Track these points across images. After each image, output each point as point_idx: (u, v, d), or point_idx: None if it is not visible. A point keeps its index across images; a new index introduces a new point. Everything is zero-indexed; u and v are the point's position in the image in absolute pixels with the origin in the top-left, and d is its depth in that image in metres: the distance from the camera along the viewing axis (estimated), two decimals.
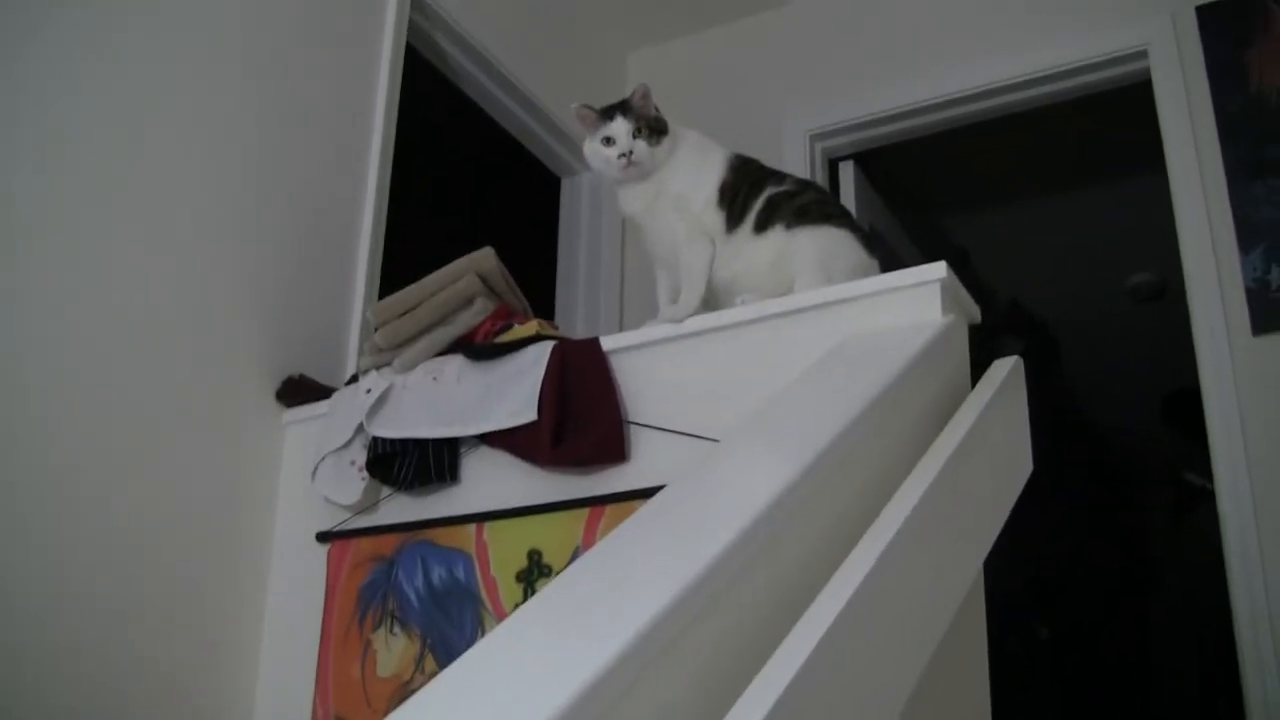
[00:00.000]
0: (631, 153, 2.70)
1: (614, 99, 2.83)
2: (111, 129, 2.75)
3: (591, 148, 2.79)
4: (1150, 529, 7.46)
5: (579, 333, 3.96)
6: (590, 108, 2.78)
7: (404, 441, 2.68)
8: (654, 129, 2.71)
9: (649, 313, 2.78)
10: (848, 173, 4.63)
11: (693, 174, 2.74)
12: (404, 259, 3.46)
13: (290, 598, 2.86)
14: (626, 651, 1.14)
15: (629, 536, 1.50)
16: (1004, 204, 6.18)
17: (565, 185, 4.79)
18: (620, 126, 2.71)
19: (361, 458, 2.74)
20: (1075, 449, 6.77)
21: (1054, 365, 6.76)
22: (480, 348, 2.70)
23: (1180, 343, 3.87)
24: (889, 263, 2.58)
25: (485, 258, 2.81)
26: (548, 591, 1.35)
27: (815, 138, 4.61)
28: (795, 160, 4.44)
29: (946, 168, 5.60)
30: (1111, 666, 6.83)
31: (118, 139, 2.76)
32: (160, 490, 2.70)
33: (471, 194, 5.36)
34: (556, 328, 2.77)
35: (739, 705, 1.18)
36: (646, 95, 2.72)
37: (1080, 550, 6.94)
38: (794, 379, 2.09)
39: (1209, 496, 3.62)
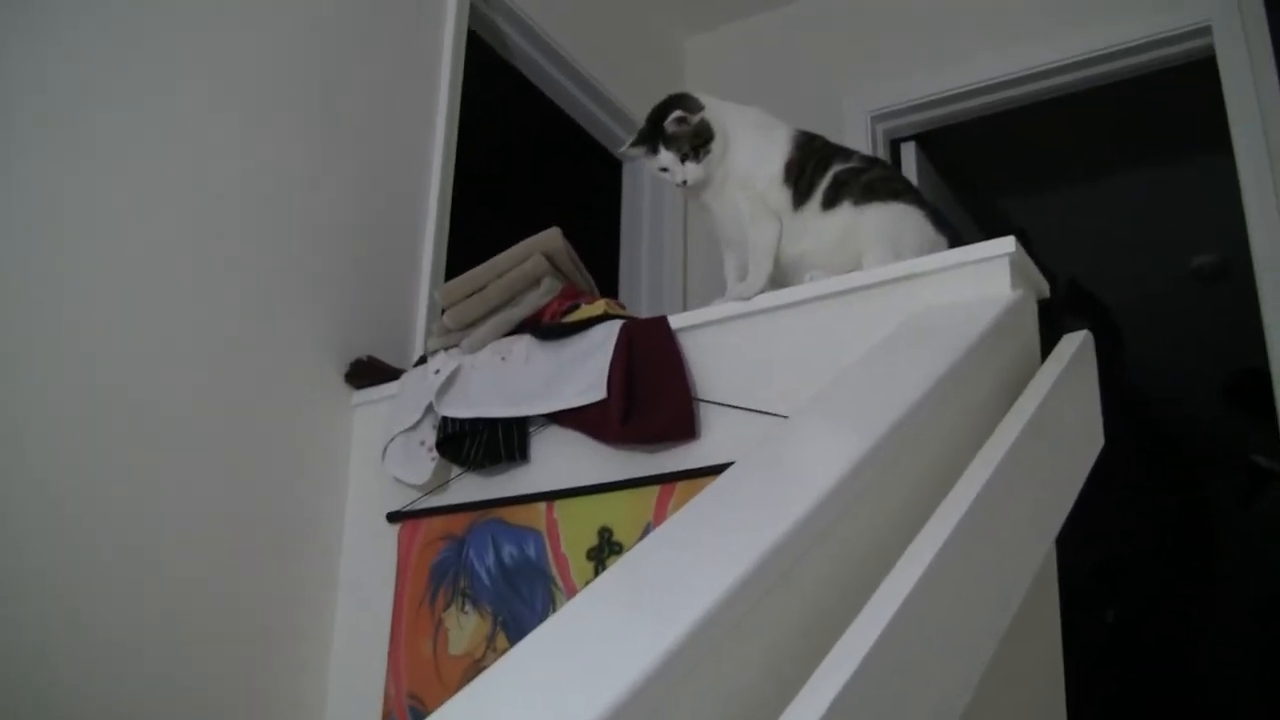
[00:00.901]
0: (686, 180, 2.73)
1: (674, 89, 2.85)
2: (186, 121, 2.79)
3: (652, 172, 2.83)
4: (1216, 511, 7.40)
5: (643, 312, 3.97)
6: (637, 143, 2.80)
7: (473, 421, 2.70)
8: (699, 145, 2.71)
9: (713, 292, 2.79)
10: (909, 153, 4.62)
11: (756, 153, 2.74)
12: (468, 241, 3.49)
13: (362, 577, 2.88)
14: (696, 629, 1.15)
15: (698, 514, 1.50)
16: (1064, 184, 6.14)
17: (627, 168, 4.80)
18: (667, 158, 2.73)
19: (431, 438, 2.76)
20: (1138, 432, 6.73)
21: (1118, 350, 6.72)
22: (548, 327, 2.71)
23: (1245, 324, 3.83)
24: (956, 241, 2.57)
25: (552, 238, 2.82)
26: (617, 568, 1.36)
27: (876, 118, 4.60)
28: (857, 141, 4.42)
29: (1007, 148, 5.56)
30: (1178, 649, 6.79)
31: (191, 130, 2.79)
32: (232, 472, 2.73)
33: (534, 176, 5.37)
34: (624, 307, 2.78)
35: (809, 685, 1.18)
36: (681, 119, 2.70)
37: (1145, 534, 6.89)
38: (863, 355, 2.09)
39: (1278, 479, 3.58)
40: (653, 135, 2.75)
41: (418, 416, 2.78)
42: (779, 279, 2.64)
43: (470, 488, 2.76)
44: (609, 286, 4.37)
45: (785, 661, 1.29)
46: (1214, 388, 6.86)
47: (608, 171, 4.79)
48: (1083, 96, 4.46)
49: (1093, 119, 5.29)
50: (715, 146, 2.71)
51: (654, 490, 2.46)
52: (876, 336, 2.18)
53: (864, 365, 2.03)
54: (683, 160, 2.71)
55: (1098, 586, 6.18)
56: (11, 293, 2.37)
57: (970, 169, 5.38)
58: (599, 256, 3.11)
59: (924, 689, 1.37)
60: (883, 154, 4.55)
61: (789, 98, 4.26)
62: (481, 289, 2.80)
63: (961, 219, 4.89)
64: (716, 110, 2.76)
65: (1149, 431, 7.16)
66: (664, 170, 2.75)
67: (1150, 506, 6.97)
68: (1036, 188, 6.12)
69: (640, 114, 2.82)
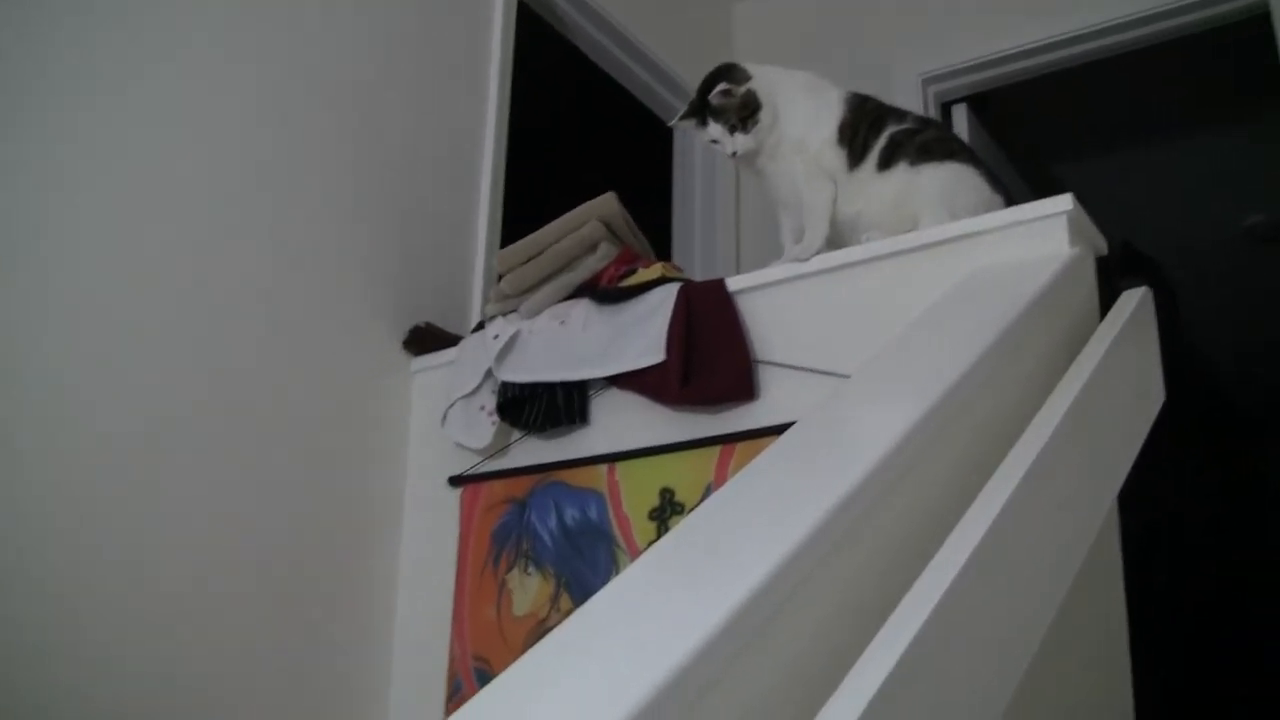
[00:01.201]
0: (736, 152, 2.74)
1: (722, 55, 2.85)
2: (241, 97, 2.82)
3: (703, 144, 2.89)
4: (1271, 471, 7.35)
5: (696, 276, 3.99)
6: (687, 116, 2.82)
7: (533, 385, 2.72)
8: (746, 115, 2.71)
9: (765, 256, 2.79)
10: (960, 116, 4.60)
11: (809, 116, 2.74)
12: (521, 208, 3.50)
13: (424, 542, 2.91)
14: (759, 591, 1.16)
15: (758, 478, 1.52)
16: (1115, 145, 6.09)
17: (678, 133, 4.80)
18: (716, 130, 2.74)
19: (491, 402, 2.78)
20: (1193, 392, 6.69)
21: (1172, 310, 6.67)
22: (606, 291, 2.73)
23: None
24: (1011, 202, 2.56)
25: (607, 203, 2.83)
26: (678, 532, 1.37)
27: (927, 81, 4.57)
28: (908, 104, 4.38)
29: (1058, 109, 5.53)
30: (1233, 610, 6.75)
31: (246, 102, 2.83)
32: (292, 441, 2.77)
33: (586, 143, 5.38)
34: (680, 270, 2.80)
35: (873, 646, 1.19)
36: (726, 91, 2.70)
37: (1198, 493, 6.86)
38: (921, 314, 2.09)
39: None
40: (701, 108, 2.76)
41: (477, 382, 2.81)
42: (835, 240, 2.64)
43: (531, 451, 2.78)
44: (662, 251, 4.38)
45: (852, 621, 1.30)
46: (1269, 347, 6.81)
47: (659, 137, 4.79)
48: (1135, 55, 4.42)
49: (1145, 77, 5.25)
50: (763, 116, 2.71)
51: (714, 451, 2.47)
52: (934, 296, 2.18)
53: (923, 325, 2.04)
54: (731, 132, 2.72)
55: (1150, 547, 6.16)
56: (80, 267, 2.41)
57: (1021, 130, 5.35)
58: (651, 221, 3.12)
59: (987, 650, 1.37)
60: (933, 116, 4.52)
61: (839, 61, 4.25)
62: (538, 254, 2.82)
63: (1012, 180, 4.86)
64: (764, 78, 2.76)
65: (1204, 391, 7.11)
66: (714, 142, 2.76)
67: (1204, 466, 6.93)
68: (1087, 148, 6.08)
69: (688, 80, 2.84)
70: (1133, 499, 2.15)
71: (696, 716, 1.07)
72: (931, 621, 1.22)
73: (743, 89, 2.71)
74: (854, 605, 1.33)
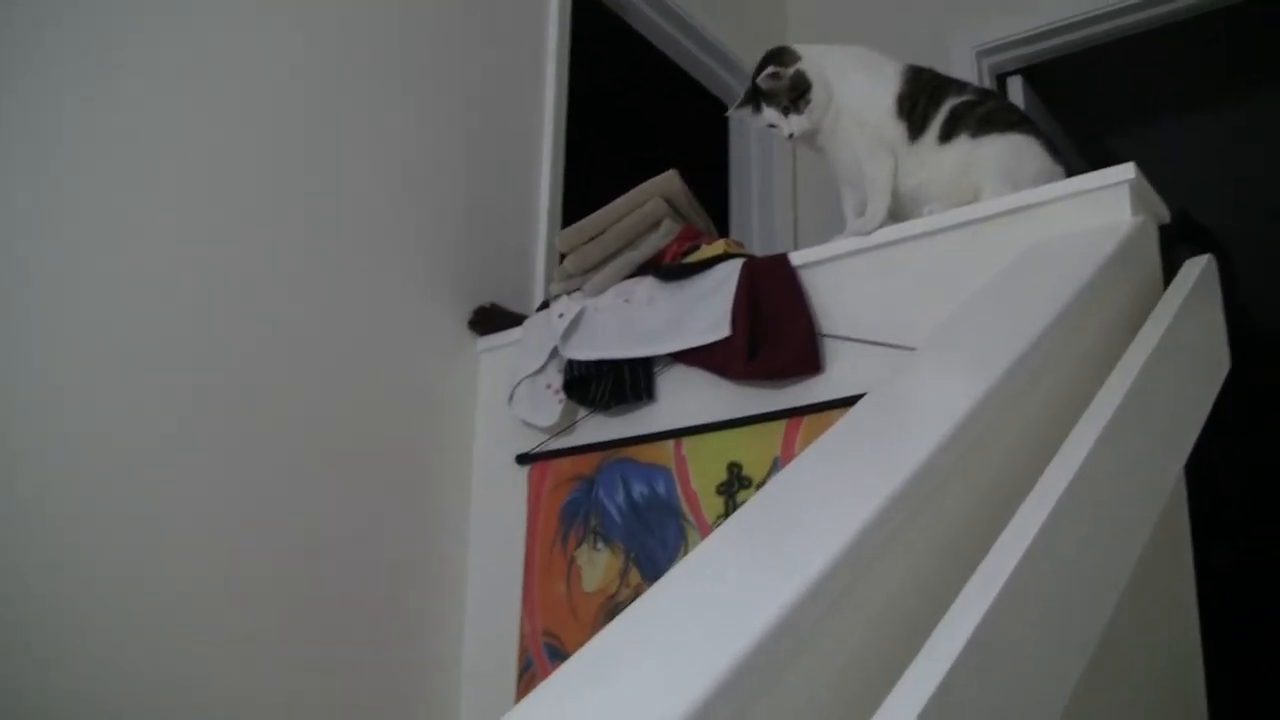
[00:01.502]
0: (793, 134, 2.76)
1: (775, 32, 2.87)
2: (292, 78, 2.84)
3: (761, 129, 2.95)
4: None
5: (755, 253, 4.01)
6: (742, 104, 2.84)
7: (599, 363, 2.74)
8: (797, 96, 2.73)
9: (823, 231, 2.80)
10: (1015, 88, 4.58)
11: (865, 91, 2.75)
12: (578, 187, 3.52)
13: (493, 520, 2.94)
14: (832, 567, 1.17)
15: (830, 451, 1.53)
16: (1173, 114, 6.05)
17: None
18: (771, 114, 2.77)
19: (557, 381, 2.81)
20: (1252, 363, 6.62)
21: (1228, 278, 6.59)
22: (670, 268, 2.74)
23: None
24: (1071, 172, 2.56)
25: (670, 180, 2.85)
26: (751, 506, 1.38)
27: (982, 54, 4.55)
28: (963, 77, 4.37)
29: (1112, 79, 5.50)
30: (1265, 586, 6.68)
31: (297, 89, 2.85)
32: (361, 422, 2.80)
33: (641, 122, 5.38)
34: (742, 245, 2.81)
35: (949, 616, 1.20)
36: (774, 74, 2.73)
37: (1258, 467, 6.80)
38: (986, 286, 2.09)
39: None
40: (755, 95, 2.79)
41: (543, 360, 2.83)
42: (896, 213, 2.65)
43: (597, 428, 2.81)
44: (721, 228, 4.39)
45: (923, 598, 1.31)
46: None
47: (714, 114, 4.79)
48: (1193, 22, 4.39)
49: (1200, 46, 5.21)
50: (816, 95, 2.72)
51: (781, 424, 2.49)
52: (998, 267, 2.18)
53: (988, 297, 2.04)
54: (785, 114, 2.74)
55: (1212, 520, 6.10)
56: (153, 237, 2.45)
57: (1077, 101, 5.32)
58: (709, 199, 3.14)
59: (1056, 628, 1.37)
60: (990, 88, 4.50)
61: (893, 35, 4.22)
62: (601, 233, 2.84)
63: (1069, 152, 4.84)
64: (815, 58, 2.77)
65: (1263, 362, 7.05)
66: (772, 126, 2.79)
67: (1264, 440, 6.88)
68: (1145, 118, 6.04)
69: (742, 56, 2.85)
70: (1196, 471, 2.14)
71: (765, 702, 1.08)
72: (1000, 599, 1.22)
73: (791, 70, 2.73)
74: (924, 580, 1.34)
